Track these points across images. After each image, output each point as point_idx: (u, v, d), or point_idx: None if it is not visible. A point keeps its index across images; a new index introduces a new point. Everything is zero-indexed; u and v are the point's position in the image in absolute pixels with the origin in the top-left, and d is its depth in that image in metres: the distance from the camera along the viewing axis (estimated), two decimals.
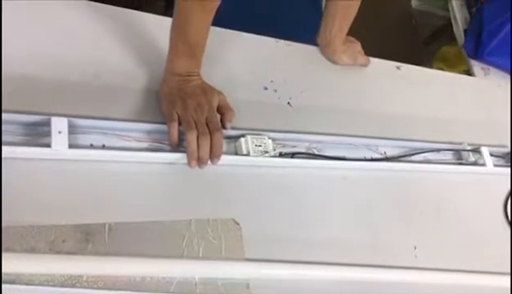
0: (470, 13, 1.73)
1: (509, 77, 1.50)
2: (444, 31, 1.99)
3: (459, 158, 0.96)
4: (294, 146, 0.81)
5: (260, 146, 0.76)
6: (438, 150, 0.93)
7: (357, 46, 1.01)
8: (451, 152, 0.96)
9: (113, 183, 0.68)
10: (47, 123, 0.65)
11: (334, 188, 0.82)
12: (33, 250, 0.59)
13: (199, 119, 0.72)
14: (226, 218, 0.70)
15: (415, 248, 0.80)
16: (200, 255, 0.66)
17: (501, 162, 0.98)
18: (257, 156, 0.76)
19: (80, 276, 0.59)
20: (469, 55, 1.60)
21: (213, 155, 0.72)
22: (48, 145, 0.64)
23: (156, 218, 0.67)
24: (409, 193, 0.87)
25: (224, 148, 0.74)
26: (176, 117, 0.72)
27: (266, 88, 0.89)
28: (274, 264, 0.69)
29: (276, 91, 0.89)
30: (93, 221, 0.63)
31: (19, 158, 0.63)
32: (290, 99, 0.89)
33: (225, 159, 0.73)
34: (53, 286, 0.57)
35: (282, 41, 0.97)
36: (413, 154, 0.90)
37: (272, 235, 0.72)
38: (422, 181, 0.89)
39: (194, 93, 0.74)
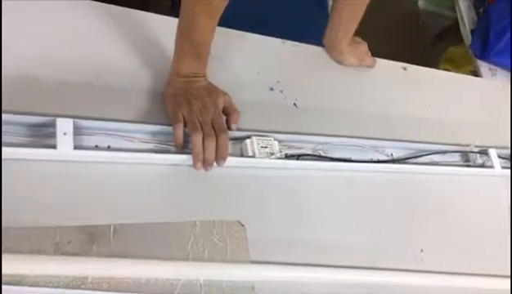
0: (477, 13, 1.73)
1: None
2: (451, 31, 1.98)
3: (466, 159, 0.95)
4: (300, 148, 0.81)
5: (266, 148, 0.76)
6: (445, 152, 0.93)
7: (364, 46, 1.01)
8: (458, 154, 0.95)
9: (118, 184, 0.68)
10: (53, 124, 0.65)
11: (340, 190, 0.81)
12: (38, 251, 0.59)
13: (204, 121, 0.72)
14: (231, 220, 0.70)
15: (421, 251, 0.80)
16: (205, 256, 0.66)
17: (509, 164, 0.97)
18: (262, 157, 0.75)
19: (85, 277, 0.59)
20: (475, 56, 1.59)
21: (219, 157, 0.71)
22: (53, 147, 0.64)
23: (161, 219, 0.67)
24: (415, 195, 0.87)
25: (229, 149, 0.73)
26: (181, 118, 0.72)
27: (272, 89, 0.89)
28: (279, 266, 0.69)
29: (281, 91, 0.89)
30: (98, 222, 0.63)
31: (24, 159, 0.63)
32: (296, 100, 0.89)
33: (230, 161, 0.73)
34: (58, 287, 0.57)
35: (288, 41, 0.97)
36: (420, 156, 0.90)
37: (277, 237, 0.72)
38: (429, 183, 0.89)
39: (199, 94, 0.74)
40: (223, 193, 0.73)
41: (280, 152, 0.78)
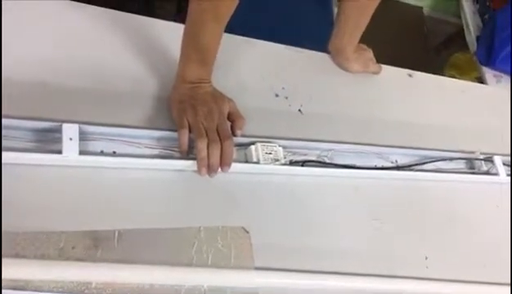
0: (483, 20, 1.73)
1: None
2: (456, 38, 1.98)
3: (471, 167, 0.95)
4: (305, 154, 0.80)
5: (270, 154, 0.76)
6: (450, 159, 0.92)
7: (369, 53, 1.01)
8: (463, 161, 0.95)
9: (123, 189, 0.68)
10: (58, 130, 0.65)
11: (345, 196, 0.81)
12: (42, 256, 0.59)
13: (209, 127, 0.72)
14: (235, 226, 0.70)
15: (426, 258, 0.79)
16: (209, 262, 0.66)
17: (510, 171, 0.97)
18: (267, 164, 0.75)
19: (89, 283, 0.59)
20: (481, 63, 1.59)
21: (224, 163, 0.71)
22: (59, 152, 0.64)
23: (165, 225, 0.67)
24: (420, 203, 0.86)
25: (234, 155, 0.73)
26: (186, 124, 0.72)
27: (277, 95, 0.89)
28: (283, 273, 0.69)
29: (286, 98, 0.89)
30: (103, 228, 0.63)
31: (29, 164, 0.63)
32: (301, 106, 0.89)
33: (235, 167, 0.73)
34: (62, 292, 0.57)
35: (294, 48, 0.97)
36: (425, 163, 0.89)
37: (282, 244, 0.72)
38: (434, 190, 0.88)
39: (204, 100, 0.74)
40: (228, 200, 0.73)
41: (285, 158, 0.78)
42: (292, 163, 0.78)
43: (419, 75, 1.08)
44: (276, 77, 0.91)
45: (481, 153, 0.95)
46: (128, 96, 0.76)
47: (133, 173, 0.69)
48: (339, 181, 0.81)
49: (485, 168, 0.94)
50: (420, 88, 1.06)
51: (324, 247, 0.74)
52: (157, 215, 0.67)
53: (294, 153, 0.80)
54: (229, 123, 0.76)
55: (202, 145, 0.70)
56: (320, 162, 0.81)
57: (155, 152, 0.72)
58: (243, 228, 0.70)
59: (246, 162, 0.76)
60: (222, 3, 0.69)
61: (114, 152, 0.69)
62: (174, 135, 0.73)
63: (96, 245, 0.62)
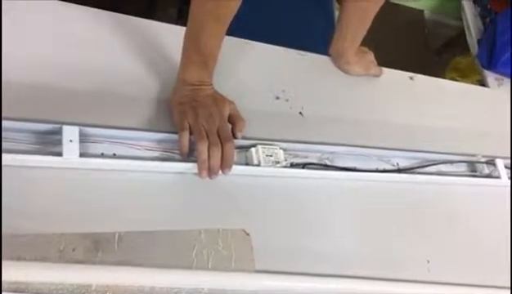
0: (484, 23, 1.73)
1: None
2: (457, 41, 1.98)
3: (473, 170, 0.94)
4: (306, 157, 0.80)
5: (271, 156, 0.76)
6: (452, 162, 0.92)
7: (370, 56, 1.01)
8: (464, 164, 0.94)
9: (123, 192, 0.68)
10: (59, 132, 0.65)
11: (346, 199, 0.81)
12: (42, 258, 0.58)
13: (210, 129, 0.72)
14: (236, 228, 0.70)
15: (428, 262, 0.79)
16: (210, 265, 0.66)
17: (511, 174, 0.97)
18: (268, 166, 0.75)
19: (89, 285, 0.59)
20: (482, 66, 1.59)
21: (224, 165, 0.71)
22: (59, 154, 0.64)
23: (166, 227, 0.66)
24: (422, 206, 0.86)
25: (235, 158, 0.73)
26: (187, 126, 0.72)
27: (277, 98, 0.89)
28: (284, 276, 0.68)
29: (287, 100, 0.89)
30: (103, 230, 0.63)
31: (30, 166, 0.63)
32: (302, 108, 0.89)
33: (236, 169, 0.73)
34: None
35: (294, 50, 0.97)
36: (426, 166, 0.89)
37: (283, 246, 0.72)
38: (435, 193, 0.88)
39: (205, 103, 0.74)
40: (228, 202, 0.73)
41: (286, 161, 0.77)
42: (293, 166, 0.78)
43: (421, 78, 1.08)
44: (276, 79, 0.91)
45: (483, 156, 0.95)
46: (129, 98, 0.76)
47: (134, 175, 0.69)
48: (339, 184, 0.81)
49: (487, 171, 0.94)
50: (421, 91, 1.06)
51: (325, 250, 0.74)
52: (157, 217, 0.67)
53: (295, 156, 0.80)
54: (230, 126, 0.76)
55: (203, 148, 0.70)
56: (321, 164, 0.81)
57: (156, 154, 0.71)
58: (243, 230, 0.70)
59: (247, 164, 0.76)
60: (224, 4, 0.69)
61: (115, 154, 0.69)
62: (175, 137, 0.73)
63: (96, 247, 0.62)
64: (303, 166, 0.79)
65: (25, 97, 0.69)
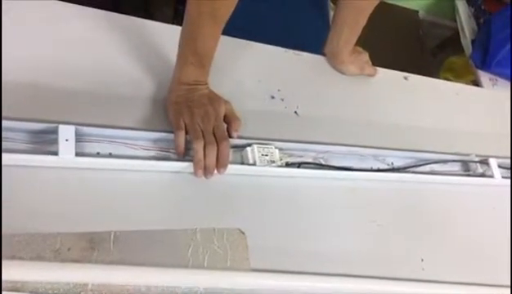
0: (478, 24, 1.73)
1: None
2: (451, 41, 1.99)
3: (466, 169, 0.95)
4: (301, 156, 0.81)
5: (267, 156, 0.76)
6: (446, 161, 0.93)
7: (365, 56, 1.01)
8: (458, 163, 0.95)
9: (119, 191, 0.68)
10: (55, 131, 0.65)
11: (341, 198, 0.81)
12: (38, 258, 0.58)
13: (205, 128, 0.72)
14: (231, 227, 0.70)
15: (422, 260, 0.80)
16: (205, 264, 0.66)
17: (510, 173, 0.98)
18: (263, 165, 0.75)
19: (85, 284, 0.59)
20: (476, 66, 1.60)
21: (220, 165, 0.71)
22: (55, 153, 0.64)
23: (162, 227, 0.67)
24: (416, 205, 0.86)
25: (230, 157, 0.73)
26: (183, 125, 0.72)
27: (273, 97, 0.89)
28: (280, 275, 0.69)
29: (282, 100, 0.89)
30: (99, 229, 0.63)
31: (25, 165, 0.63)
32: (297, 108, 0.89)
33: (231, 169, 0.73)
34: None
35: (290, 50, 0.98)
36: (420, 165, 0.90)
37: (278, 245, 0.72)
38: (429, 192, 0.89)
39: (201, 102, 0.74)
40: (224, 201, 0.73)
41: (281, 160, 0.78)
42: (288, 165, 0.78)
43: (415, 78, 1.08)
44: (272, 79, 0.91)
45: (476, 156, 0.95)
46: (125, 98, 0.76)
47: (129, 175, 0.69)
48: (335, 183, 0.81)
49: (480, 170, 0.94)
50: (416, 91, 1.06)
51: (320, 249, 0.74)
52: (153, 216, 0.67)
53: (291, 155, 0.80)
54: (225, 125, 0.76)
55: (198, 147, 0.70)
56: (316, 163, 0.81)
57: (152, 153, 0.72)
58: (239, 229, 0.70)
59: (242, 163, 0.76)
60: (220, 5, 0.70)
61: (111, 153, 0.69)
62: (171, 136, 0.73)
63: (92, 247, 0.62)
64: (299, 165, 0.79)
65: (21, 96, 0.69)
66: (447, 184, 0.91)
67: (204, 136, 0.71)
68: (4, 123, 0.64)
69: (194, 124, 0.72)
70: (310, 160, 0.81)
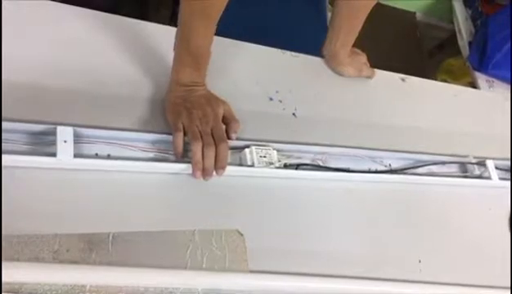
0: (475, 26, 1.74)
1: None
2: (449, 43, 1.99)
3: (464, 171, 0.95)
4: (299, 157, 0.81)
5: (265, 157, 0.76)
6: (443, 163, 0.93)
7: (363, 58, 1.02)
8: (456, 165, 0.95)
9: (117, 193, 0.68)
10: (53, 132, 0.65)
11: (339, 200, 0.81)
12: (36, 259, 0.58)
13: (204, 130, 0.72)
14: (230, 229, 0.70)
15: (419, 262, 0.80)
16: (204, 265, 0.66)
17: (507, 175, 0.98)
18: (261, 167, 0.76)
19: (83, 286, 0.59)
20: (473, 68, 1.60)
21: (218, 166, 0.71)
22: (53, 155, 0.64)
23: (160, 228, 0.67)
24: (414, 206, 0.87)
25: (229, 158, 0.73)
26: (181, 127, 0.72)
27: (271, 99, 0.89)
28: (278, 276, 0.69)
29: (281, 101, 0.89)
30: (97, 231, 0.63)
31: (24, 166, 0.63)
32: (295, 110, 0.89)
33: (229, 170, 0.73)
34: None
35: (288, 52, 0.98)
36: (418, 167, 0.90)
37: (276, 246, 0.72)
38: (427, 194, 0.89)
39: (199, 103, 0.74)
40: (222, 202, 0.73)
41: (279, 161, 0.78)
42: (286, 166, 0.78)
43: (412, 79, 1.09)
44: (270, 80, 0.91)
45: (474, 157, 0.96)
46: (123, 99, 0.76)
47: (128, 176, 0.69)
48: (332, 184, 0.82)
49: (478, 172, 0.95)
50: (413, 92, 1.07)
51: (318, 250, 0.74)
52: (151, 218, 0.67)
53: (289, 157, 0.80)
54: (224, 126, 0.76)
55: (197, 148, 0.70)
56: (314, 165, 0.81)
57: (150, 155, 0.72)
58: (237, 231, 0.70)
59: (241, 165, 0.76)
60: (210, 3, 0.69)
61: (109, 155, 0.69)
62: (169, 138, 0.73)
63: (90, 248, 0.62)
64: (297, 166, 0.79)
65: (19, 98, 0.69)
66: (445, 185, 0.91)
67: (202, 138, 0.71)
68: (2, 124, 0.64)
69: (192, 125, 0.72)
70: (308, 161, 0.81)
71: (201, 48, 0.74)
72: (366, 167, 0.86)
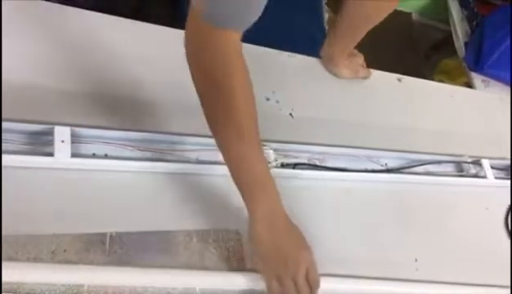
0: (471, 26, 1.74)
1: (509, 89, 1.51)
2: (444, 44, 2.00)
3: (460, 170, 0.96)
4: (296, 157, 0.81)
5: None
6: (439, 162, 0.94)
7: (360, 59, 1.02)
8: (452, 164, 0.96)
9: (114, 192, 0.68)
10: (50, 132, 0.66)
11: (336, 199, 0.82)
12: (34, 259, 0.59)
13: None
14: (227, 229, 0.70)
15: (416, 260, 0.80)
16: (202, 265, 0.66)
17: (502, 174, 0.99)
18: None
19: (81, 285, 0.59)
20: (469, 68, 1.61)
21: None
22: (51, 154, 0.64)
23: (158, 228, 0.67)
24: (410, 205, 0.87)
25: None
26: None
27: (268, 99, 0.89)
28: None
29: (278, 102, 0.89)
30: (95, 231, 0.63)
31: (21, 166, 0.63)
32: (292, 110, 0.89)
33: (227, 169, 0.73)
34: None
35: (284, 52, 0.98)
36: (414, 166, 0.90)
37: None
38: (423, 193, 0.89)
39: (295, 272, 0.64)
40: (220, 202, 0.73)
41: (276, 161, 0.78)
42: (283, 166, 0.79)
43: (409, 79, 1.09)
44: (266, 81, 0.91)
45: (469, 157, 0.96)
46: (121, 99, 0.76)
47: (125, 176, 0.69)
48: (329, 184, 0.82)
49: (473, 171, 0.95)
50: (409, 92, 1.07)
51: (314, 249, 0.74)
52: (149, 217, 0.67)
53: (286, 156, 0.80)
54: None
55: None
56: (311, 164, 0.81)
57: (147, 155, 0.72)
58: (235, 230, 0.70)
59: None
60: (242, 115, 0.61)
61: (106, 154, 0.69)
62: (166, 137, 0.73)
63: (87, 248, 0.62)
64: (294, 166, 0.79)
65: (17, 97, 0.69)
66: (441, 184, 0.92)
67: None
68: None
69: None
70: (305, 161, 0.81)
71: (255, 170, 0.65)
72: (362, 167, 0.86)
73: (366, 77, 1.03)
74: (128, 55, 0.82)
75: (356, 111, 0.96)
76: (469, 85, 1.59)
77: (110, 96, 0.76)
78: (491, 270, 0.84)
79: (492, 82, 1.58)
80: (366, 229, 0.81)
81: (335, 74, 1.00)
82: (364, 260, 0.77)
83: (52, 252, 0.60)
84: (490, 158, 0.97)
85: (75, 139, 0.67)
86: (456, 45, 1.74)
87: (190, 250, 0.67)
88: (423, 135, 0.99)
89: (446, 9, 1.85)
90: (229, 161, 0.64)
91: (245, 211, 0.73)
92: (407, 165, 0.90)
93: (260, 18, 0.61)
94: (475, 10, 1.73)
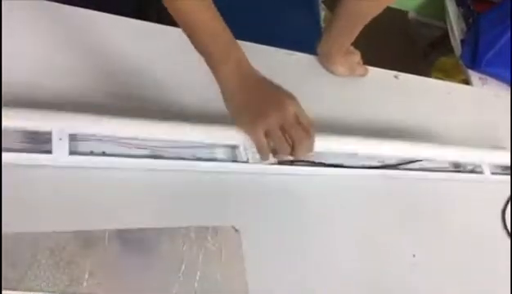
0: (467, 24, 1.75)
1: (506, 86, 1.51)
2: (441, 42, 2.00)
3: (457, 165, 0.96)
4: None
5: None
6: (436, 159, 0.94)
7: (357, 57, 1.02)
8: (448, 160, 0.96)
9: (113, 190, 0.68)
10: (48, 130, 0.65)
11: (333, 195, 0.82)
12: (32, 257, 0.59)
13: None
14: (225, 225, 0.70)
15: (413, 256, 0.80)
16: (200, 261, 0.66)
17: (499, 169, 0.99)
18: (256, 163, 0.76)
19: (80, 283, 0.59)
20: (466, 66, 1.62)
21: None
22: (49, 152, 0.64)
23: (156, 225, 0.67)
24: (407, 201, 0.87)
25: (222, 155, 0.74)
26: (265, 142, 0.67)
27: None
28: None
29: None
30: (93, 228, 0.63)
31: (19, 164, 0.63)
32: None
33: (224, 166, 0.74)
34: (53, 293, 0.57)
35: (281, 50, 0.98)
36: (411, 162, 0.90)
37: (271, 242, 0.72)
38: (420, 189, 0.90)
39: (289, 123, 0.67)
40: (217, 199, 0.73)
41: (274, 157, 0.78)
42: (281, 162, 0.79)
43: (406, 76, 1.10)
44: None
45: (466, 153, 0.96)
46: (120, 98, 0.77)
47: (123, 173, 0.69)
48: (326, 180, 0.82)
49: (470, 167, 0.95)
50: (407, 89, 1.07)
51: (312, 245, 0.75)
52: (147, 215, 0.68)
53: None
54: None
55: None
56: (308, 161, 0.81)
57: (146, 152, 0.72)
58: (233, 227, 0.71)
59: (235, 161, 0.76)
60: None
61: (104, 152, 0.69)
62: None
63: (86, 245, 0.62)
64: (291, 162, 0.80)
65: (14, 96, 0.69)
66: (438, 180, 0.92)
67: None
68: None
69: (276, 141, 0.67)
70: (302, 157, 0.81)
71: (213, 29, 0.67)
72: (359, 163, 0.86)
73: (362, 75, 1.03)
74: (127, 53, 0.82)
75: (353, 108, 0.97)
76: (467, 83, 1.60)
77: (107, 94, 0.76)
78: (489, 266, 0.85)
79: (489, 79, 1.59)
80: (362, 224, 0.81)
81: (332, 72, 1.00)
82: (361, 255, 0.77)
83: (51, 250, 0.60)
84: (487, 154, 0.97)
85: (73, 136, 0.67)
86: (453, 43, 1.75)
87: (188, 246, 0.67)
88: (420, 132, 0.99)
89: (443, 7, 1.86)
90: (187, 27, 0.65)
91: (244, 206, 0.74)
92: (404, 161, 0.90)
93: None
94: (471, 7, 1.74)
